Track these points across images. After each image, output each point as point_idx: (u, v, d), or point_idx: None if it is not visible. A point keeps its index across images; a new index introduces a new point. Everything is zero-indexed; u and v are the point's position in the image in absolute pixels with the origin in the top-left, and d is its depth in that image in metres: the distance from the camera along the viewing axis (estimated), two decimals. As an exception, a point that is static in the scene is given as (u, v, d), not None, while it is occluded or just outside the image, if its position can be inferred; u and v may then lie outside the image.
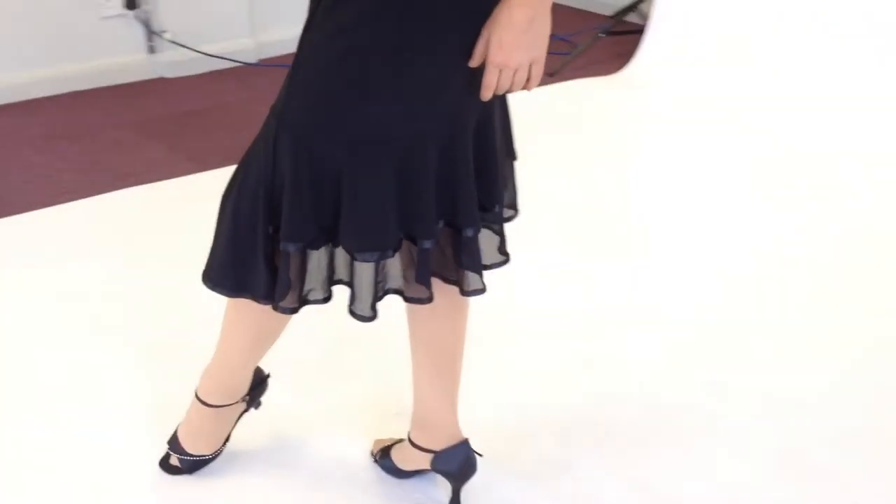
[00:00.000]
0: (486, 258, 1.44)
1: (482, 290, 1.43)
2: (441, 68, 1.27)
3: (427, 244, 1.34)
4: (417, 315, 1.50)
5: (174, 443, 1.63)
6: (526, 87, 1.29)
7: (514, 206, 1.50)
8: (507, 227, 1.48)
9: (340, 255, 1.37)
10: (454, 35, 1.26)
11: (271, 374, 1.68)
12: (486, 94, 1.29)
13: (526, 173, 2.77)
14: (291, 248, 1.31)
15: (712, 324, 2.15)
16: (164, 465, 1.66)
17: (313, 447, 1.73)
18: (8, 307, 2.10)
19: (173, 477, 1.64)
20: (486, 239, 1.44)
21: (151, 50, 3.48)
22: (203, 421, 1.61)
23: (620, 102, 3.39)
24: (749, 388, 1.93)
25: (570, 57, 3.74)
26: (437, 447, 1.57)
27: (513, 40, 1.23)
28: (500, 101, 1.40)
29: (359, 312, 1.38)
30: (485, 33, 1.25)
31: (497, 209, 1.42)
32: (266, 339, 1.52)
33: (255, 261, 1.34)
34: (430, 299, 1.40)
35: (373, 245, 1.32)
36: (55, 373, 1.90)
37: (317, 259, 1.36)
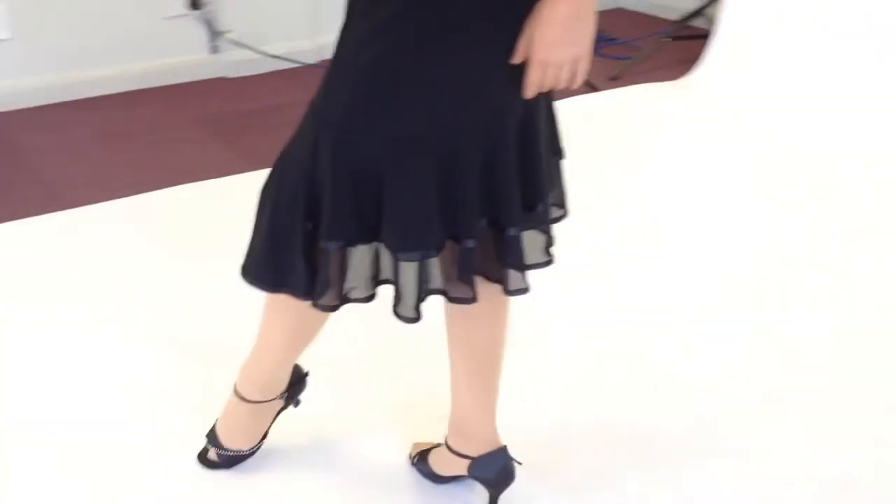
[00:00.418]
0: (531, 257, 1.40)
1: (525, 290, 1.39)
2: (481, 66, 1.24)
3: (470, 243, 1.31)
4: (456, 317, 1.47)
5: (212, 437, 1.63)
6: (570, 84, 1.25)
7: (562, 206, 1.46)
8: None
9: (385, 253, 1.34)
10: (495, 32, 1.23)
11: (313, 373, 1.66)
12: (530, 92, 1.25)
13: (583, 175, 2.77)
14: (332, 245, 1.29)
15: (764, 327, 2.07)
16: (203, 458, 1.65)
17: (352, 448, 1.71)
18: (58, 298, 2.12)
19: (211, 471, 1.63)
20: (531, 238, 1.40)
21: (214, 50, 3.51)
22: (241, 416, 1.59)
23: (681, 108, 3.31)
24: (806, 397, 1.86)
25: (631, 61, 3.67)
26: (475, 453, 1.53)
27: (557, 37, 1.20)
28: (545, 99, 1.36)
29: (403, 314, 1.35)
30: (527, 30, 1.22)
31: (540, 208, 1.38)
32: (304, 336, 1.51)
33: (294, 257, 1.33)
34: (474, 299, 1.37)
35: (416, 244, 1.29)
36: (101, 364, 1.91)
37: (359, 257, 1.33)
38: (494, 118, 1.28)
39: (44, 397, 1.81)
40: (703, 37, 3.70)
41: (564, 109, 3.19)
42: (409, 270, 1.31)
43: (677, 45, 3.82)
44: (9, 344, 1.96)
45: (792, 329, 2.09)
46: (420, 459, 1.64)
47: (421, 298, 1.34)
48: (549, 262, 1.43)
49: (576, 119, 3.24)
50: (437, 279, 1.36)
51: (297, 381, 1.63)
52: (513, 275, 1.38)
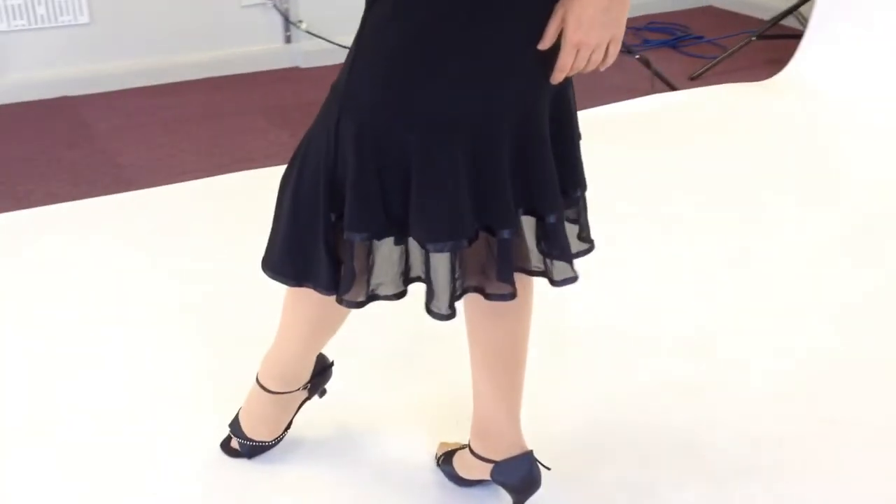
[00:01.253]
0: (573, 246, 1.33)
1: (574, 279, 1.31)
2: (510, 47, 1.17)
3: (506, 234, 1.24)
4: (476, 314, 1.40)
5: (235, 426, 1.60)
6: (600, 66, 1.18)
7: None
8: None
9: (416, 248, 1.28)
10: (523, 13, 1.16)
11: (342, 363, 1.61)
12: (559, 76, 1.18)
13: (648, 175, 2.66)
14: (356, 238, 1.23)
15: (821, 351, 1.93)
16: (226, 447, 1.62)
17: (377, 443, 1.65)
18: (112, 277, 2.14)
19: (233, 460, 1.61)
20: (571, 228, 1.33)
21: (288, 40, 3.52)
22: (263, 406, 1.56)
23: (768, 109, 3.16)
24: (863, 418, 1.73)
25: (715, 61, 3.53)
26: (497, 457, 1.46)
27: (592, 17, 1.13)
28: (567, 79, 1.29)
29: (436, 310, 1.28)
30: (559, 10, 1.15)
31: (579, 193, 1.31)
32: (325, 329, 1.46)
33: (317, 250, 1.27)
34: (513, 295, 1.29)
35: (445, 234, 1.21)
36: (138, 344, 1.91)
37: (387, 251, 1.27)
38: (526, 101, 1.21)
39: (107, 377, 1.82)
40: (792, 36, 3.53)
41: (638, 107, 3.20)
42: (440, 265, 1.25)
43: (766, 45, 3.66)
44: (70, 317, 1.98)
45: (850, 343, 1.95)
46: (445, 460, 1.57)
47: (456, 296, 1.28)
48: (590, 250, 1.36)
49: (649, 117, 3.18)
50: (473, 276, 1.30)
51: (321, 371, 1.58)
52: (558, 265, 1.30)
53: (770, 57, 3.57)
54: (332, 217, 1.25)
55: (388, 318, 1.64)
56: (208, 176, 2.66)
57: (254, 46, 3.47)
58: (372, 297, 1.29)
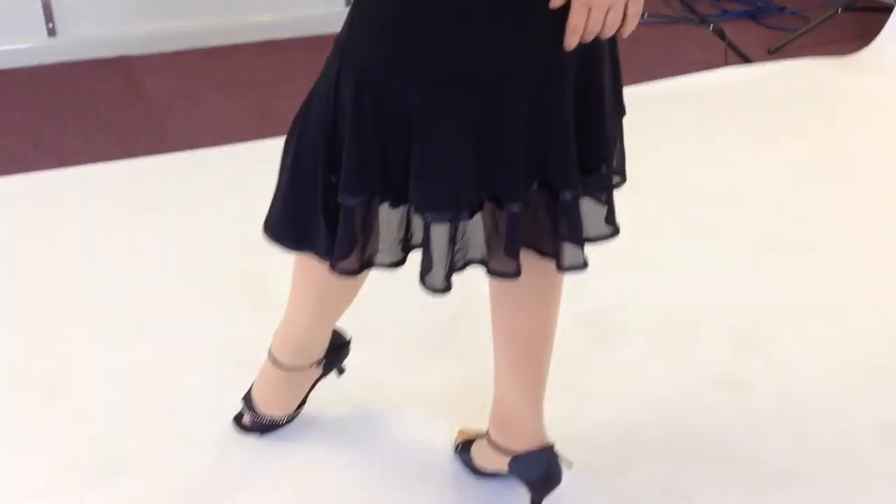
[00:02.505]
0: (591, 229, 1.21)
1: (582, 266, 1.20)
2: (521, 6, 1.05)
3: (514, 207, 1.13)
4: (500, 295, 1.29)
5: (248, 400, 1.53)
6: (620, 30, 1.05)
7: (620, 172, 1.26)
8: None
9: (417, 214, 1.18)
10: None
11: (370, 341, 1.52)
12: (572, 40, 1.05)
13: (718, 153, 2.50)
14: (352, 201, 1.14)
15: (881, 352, 1.77)
16: (238, 421, 1.56)
17: (396, 427, 1.57)
18: (150, 238, 2.10)
19: (243, 436, 1.54)
20: (591, 207, 1.21)
21: (348, 3, 3.43)
22: (276, 381, 1.49)
23: (849, 87, 2.95)
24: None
25: (796, 34, 3.31)
26: (517, 448, 1.36)
27: None
28: (610, 50, 1.16)
29: (429, 283, 1.18)
30: None
31: (604, 170, 1.18)
32: (334, 301, 1.38)
33: (316, 214, 1.19)
34: (516, 274, 1.18)
35: (445, 203, 1.11)
36: (170, 310, 1.86)
37: (385, 216, 1.18)
38: (544, 63, 1.08)
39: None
40: (882, 9, 3.29)
41: (708, 81, 3.02)
42: (439, 234, 1.14)
43: (853, 18, 3.42)
44: (118, 274, 1.95)
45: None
46: (463, 449, 1.48)
47: (453, 268, 1.18)
48: (613, 235, 1.23)
49: (721, 92, 3.00)
50: (476, 247, 1.19)
51: (338, 348, 1.50)
52: (568, 248, 1.18)
53: (856, 31, 3.34)
54: (333, 179, 1.15)
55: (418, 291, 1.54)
56: (253, 140, 2.59)
57: (310, 10, 3.38)
58: (367, 265, 1.20)
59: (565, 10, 1.04)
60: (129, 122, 2.74)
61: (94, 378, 1.67)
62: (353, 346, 1.54)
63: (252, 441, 1.53)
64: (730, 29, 3.27)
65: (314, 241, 1.21)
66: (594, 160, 1.16)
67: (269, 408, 1.51)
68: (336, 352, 1.50)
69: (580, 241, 1.18)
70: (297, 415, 1.54)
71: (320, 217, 1.17)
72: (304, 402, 1.54)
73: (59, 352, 1.74)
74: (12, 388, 1.64)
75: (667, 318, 1.85)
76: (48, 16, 3.12)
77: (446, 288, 1.18)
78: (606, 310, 1.85)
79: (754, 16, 3.62)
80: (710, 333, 1.81)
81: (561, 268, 1.19)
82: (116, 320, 1.82)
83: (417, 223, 1.19)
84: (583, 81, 1.12)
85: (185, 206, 2.24)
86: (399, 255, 1.21)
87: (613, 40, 1.19)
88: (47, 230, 2.13)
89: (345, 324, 1.50)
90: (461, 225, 1.15)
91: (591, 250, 1.20)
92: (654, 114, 2.68)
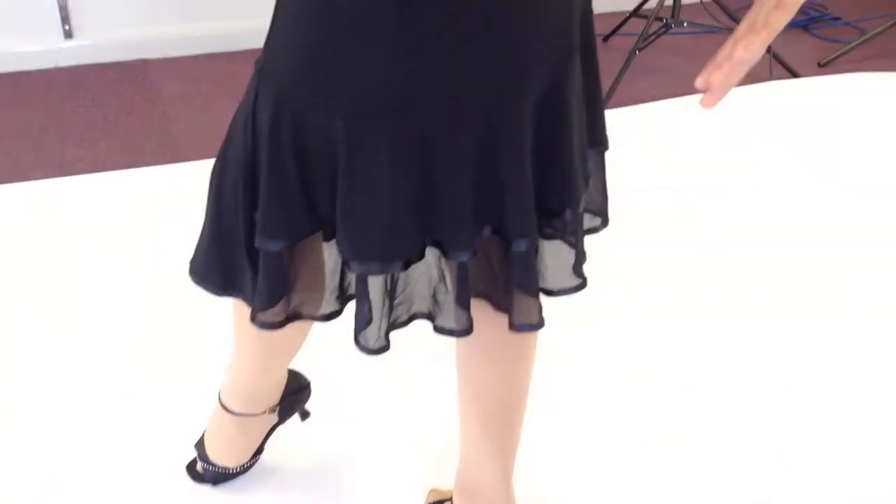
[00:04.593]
0: (554, 280, 1.04)
1: (536, 326, 1.03)
2: (475, 17, 0.88)
3: (462, 256, 0.96)
4: (464, 351, 1.14)
5: (200, 447, 1.39)
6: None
7: (600, 214, 1.09)
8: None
9: None
10: None
11: (335, 380, 1.38)
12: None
13: (758, 177, 2.30)
14: (272, 245, 0.98)
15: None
16: (191, 470, 1.42)
17: (360, 481, 1.42)
18: (146, 248, 1.97)
19: (193, 485, 1.40)
20: (556, 254, 1.04)
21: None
22: (225, 428, 1.35)
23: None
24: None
25: (850, 45, 3.08)
26: (482, 522, 1.20)
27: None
28: (589, 77, 0.99)
29: (363, 342, 1.01)
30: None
31: (569, 215, 1.01)
32: (278, 346, 1.22)
33: (240, 256, 1.03)
34: (467, 332, 1.02)
35: (374, 252, 0.95)
36: (156, 329, 1.73)
37: (316, 261, 1.02)
38: (499, 87, 0.91)
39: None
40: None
41: (748, 97, 2.81)
42: (373, 287, 0.99)
43: (916, 30, 3.18)
44: (120, 285, 1.85)
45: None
46: (432, 512, 1.32)
47: (393, 324, 1.02)
48: (579, 287, 1.05)
49: (757, 108, 2.78)
50: (421, 300, 1.04)
51: (294, 392, 1.36)
52: (521, 302, 1.01)
53: (918, 44, 3.11)
54: (256, 217, 0.99)
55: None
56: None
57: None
58: (294, 317, 1.04)
59: (528, 22, 0.88)
60: (135, 129, 2.65)
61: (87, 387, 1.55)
62: (320, 388, 1.40)
63: (202, 493, 1.39)
64: (777, 39, 3.05)
65: (241, 286, 1.05)
66: (556, 204, 0.99)
67: (220, 457, 1.37)
68: (293, 396, 1.35)
69: (535, 294, 1.02)
70: (252, 464, 1.40)
71: (245, 260, 1.02)
72: (260, 450, 1.39)
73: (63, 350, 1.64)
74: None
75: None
76: (65, 18, 3.04)
77: (382, 348, 1.02)
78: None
79: (806, 26, 3.39)
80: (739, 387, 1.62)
81: (512, 325, 1.02)
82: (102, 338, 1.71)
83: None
84: (544, 109, 0.95)
85: (181, 217, 2.10)
86: (333, 307, 1.05)
87: (593, 63, 1.02)
88: (42, 239, 2.02)
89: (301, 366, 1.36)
90: (403, 275, 0.99)
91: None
92: (683, 132, 2.48)
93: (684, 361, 1.66)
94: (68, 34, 3.06)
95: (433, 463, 1.43)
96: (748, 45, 0.91)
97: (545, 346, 1.17)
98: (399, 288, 1.01)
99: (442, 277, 1.02)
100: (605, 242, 1.13)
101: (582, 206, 1.02)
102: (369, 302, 0.99)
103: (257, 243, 0.98)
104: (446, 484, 1.35)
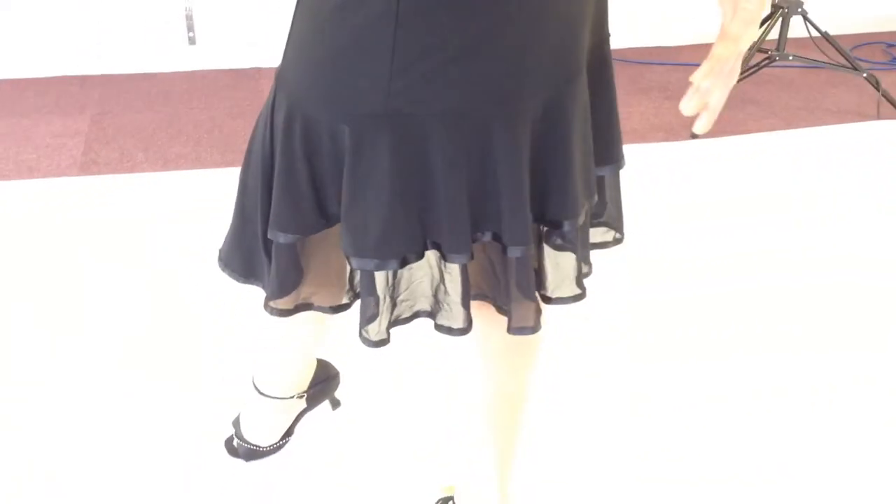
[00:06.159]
0: (554, 288, 1.07)
1: (532, 329, 1.06)
2: (478, 29, 0.92)
3: (459, 259, 1.01)
4: (464, 353, 1.18)
5: (236, 424, 1.48)
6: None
7: (616, 229, 1.12)
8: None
9: None
10: None
11: (360, 376, 1.44)
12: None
13: (848, 215, 2.24)
14: (283, 238, 1.04)
15: None
16: (228, 444, 1.51)
17: (385, 469, 1.47)
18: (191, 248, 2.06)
19: (230, 460, 1.49)
20: (558, 263, 1.07)
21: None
22: (258, 407, 1.43)
23: None
24: None
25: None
26: (479, 519, 1.23)
27: None
28: (600, 91, 1.02)
29: (365, 335, 1.06)
30: None
31: (567, 227, 1.03)
32: (300, 337, 1.29)
33: (259, 247, 1.10)
34: (465, 331, 1.06)
35: (371, 250, 1.00)
36: (195, 320, 1.83)
37: (326, 256, 1.08)
38: (498, 98, 0.96)
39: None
40: None
41: (852, 133, 2.72)
42: (377, 282, 1.04)
43: None
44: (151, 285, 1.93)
45: None
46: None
47: (398, 320, 1.07)
48: (577, 298, 1.08)
49: (862, 147, 2.68)
50: (424, 298, 1.08)
51: (322, 381, 1.42)
52: (519, 306, 1.05)
53: None
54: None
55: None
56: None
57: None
58: (303, 307, 1.10)
59: (525, 44, 0.93)
60: (238, 133, 2.79)
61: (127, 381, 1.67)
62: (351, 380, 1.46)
63: (234, 465, 1.47)
64: (890, 77, 2.96)
65: (260, 275, 1.13)
66: (554, 216, 1.02)
67: (252, 434, 1.45)
68: (321, 385, 1.42)
69: (532, 299, 1.05)
70: (283, 444, 1.47)
71: (262, 251, 1.09)
72: (289, 432, 1.46)
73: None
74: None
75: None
76: (190, 26, 3.25)
77: (382, 341, 1.07)
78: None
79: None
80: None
81: (510, 328, 1.06)
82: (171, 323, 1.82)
83: None
84: (543, 131, 0.99)
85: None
86: (341, 300, 1.11)
87: (608, 85, 1.05)
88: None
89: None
90: (405, 273, 1.04)
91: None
92: (794, 162, 2.44)
93: (703, 383, 1.65)
94: (192, 41, 3.27)
95: (433, 463, 1.47)
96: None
97: (554, 353, 1.20)
98: (402, 286, 1.06)
99: (442, 278, 1.06)
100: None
101: (582, 219, 1.05)
102: (375, 297, 1.04)
103: (270, 235, 1.05)
104: (446, 484, 1.39)
